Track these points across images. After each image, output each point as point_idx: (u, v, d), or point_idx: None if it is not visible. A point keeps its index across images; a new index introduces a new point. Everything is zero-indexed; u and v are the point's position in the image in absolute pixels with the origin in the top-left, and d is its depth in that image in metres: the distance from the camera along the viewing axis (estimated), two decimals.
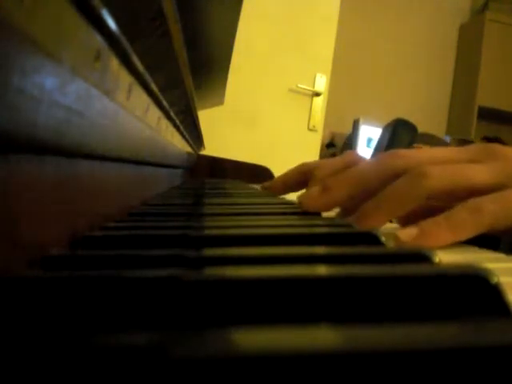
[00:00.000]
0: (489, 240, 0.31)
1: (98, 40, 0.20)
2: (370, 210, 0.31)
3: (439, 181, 0.29)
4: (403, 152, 0.33)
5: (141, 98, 0.33)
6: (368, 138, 2.84)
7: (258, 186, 0.61)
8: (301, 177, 0.47)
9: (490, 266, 0.13)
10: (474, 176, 0.30)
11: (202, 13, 0.54)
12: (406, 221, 0.33)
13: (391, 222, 0.34)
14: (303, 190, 0.48)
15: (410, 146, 2.31)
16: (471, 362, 0.08)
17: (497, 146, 0.32)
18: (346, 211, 0.36)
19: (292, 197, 0.52)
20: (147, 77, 0.32)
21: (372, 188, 0.32)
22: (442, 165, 0.31)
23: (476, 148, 0.33)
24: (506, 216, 0.28)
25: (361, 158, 0.45)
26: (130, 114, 0.30)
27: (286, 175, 0.50)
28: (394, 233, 0.28)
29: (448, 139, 2.63)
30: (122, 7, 0.22)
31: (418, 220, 0.29)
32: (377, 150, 2.43)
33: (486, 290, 0.12)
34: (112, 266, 0.16)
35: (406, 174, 0.30)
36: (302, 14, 2.09)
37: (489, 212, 0.28)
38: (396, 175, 0.31)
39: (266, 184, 0.53)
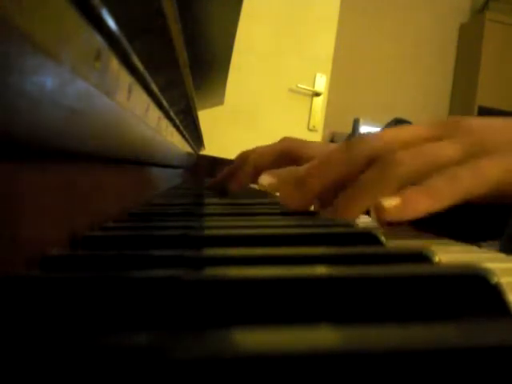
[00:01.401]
0: (492, 228, 0.31)
1: (98, 40, 0.20)
2: (345, 201, 0.31)
3: (410, 166, 0.30)
4: (369, 136, 0.33)
5: (141, 98, 0.33)
6: None
7: (258, 186, 0.61)
8: (240, 164, 0.52)
9: (490, 265, 0.13)
10: (441, 153, 0.30)
11: (201, 13, 0.54)
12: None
13: (368, 214, 0.34)
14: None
15: None
16: (471, 362, 0.08)
17: (463, 118, 0.32)
18: (323, 204, 0.36)
19: None
20: (147, 77, 0.32)
21: (345, 176, 0.32)
22: (411, 149, 0.31)
23: (440, 123, 0.33)
24: (481, 182, 0.28)
25: (296, 141, 0.48)
26: (130, 114, 0.30)
27: (228, 167, 0.55)
28: (374, 203, 0.28)
29: None
30: (121, 7, 0.22)
31: None
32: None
33: (486, 290, 0.12)
34: (112, 266, 0.16)
35: (377, 162, 0.30)
36: (302, 14, 2.08)
37: (464, 179, 0.28)
38: (366, 161, 0.31)
39: (211, 181, 0.56)
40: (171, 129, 0.55)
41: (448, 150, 0.30)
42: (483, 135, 0.31)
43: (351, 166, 0.32)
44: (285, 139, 0.51)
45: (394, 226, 0.32)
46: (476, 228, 0.36)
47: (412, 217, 0.28)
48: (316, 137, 2.16)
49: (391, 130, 0.34)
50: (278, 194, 0.39)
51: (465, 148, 0.30)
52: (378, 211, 0.28)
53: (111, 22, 0.21)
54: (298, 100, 2.14)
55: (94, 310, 0.12)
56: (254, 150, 0.53)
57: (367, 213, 0.34)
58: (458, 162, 0.29)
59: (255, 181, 0.50)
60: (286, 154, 0.49)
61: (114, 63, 0.24)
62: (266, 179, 0.38)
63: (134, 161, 0.36)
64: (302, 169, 0.36)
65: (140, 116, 0.33)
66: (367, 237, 0.21)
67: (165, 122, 0.48)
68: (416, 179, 0.29)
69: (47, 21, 0.14)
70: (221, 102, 1.33)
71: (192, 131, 0.86)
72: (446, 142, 0.31)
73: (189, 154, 0.91)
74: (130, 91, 0.28)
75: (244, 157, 0.53)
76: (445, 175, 0.28)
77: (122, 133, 0.29)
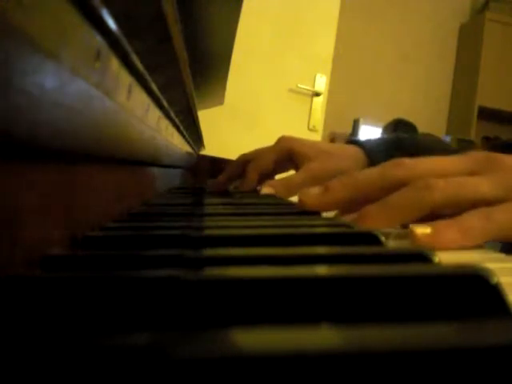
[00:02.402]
0: None
1: (98, 40, 0.20)
2: (372, 212, 0.31)
3: (443, 194, 0.30)
4: (407, 161, 0.34)
5: (141, 97, 0.33)
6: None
7: (257, 187, 0.61)
8: (240, 168, 0.53)
9: (490, 265, 0.13)
10: (477, 189, 0.30)
11: (202, 13, 0.54)
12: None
13: (392, 226, 0.34)
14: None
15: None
16: (471, 362, 0.08)
17: (498, 156, 0.32)
18: (344, 212, 0.36)
19: (294, 197, 0.53)
20: (147, 77, 0.32)
21: (373, 194, 0.33)
22: (446, 178, 0.31)
23: (477, 158, 0.33)
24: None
25: (294, 140, 0.49)
26: (130, 114, 0.30)
27: (228, 169, 0.56)
28: (409, 227, 0.28)
29: (448, 139, 2.63)
30: (121, 7, 0.22)
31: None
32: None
33: (486, 290, 0.12)
34: (112, 266, 0.16)
35: (412, 184, 0.31)
36: (302, 14, 2.08)
37: (497, 221, 0.28)
38: (398, 185, 0.32)
39: (211, 181, 0.58)
40: (171, 129, 0.55)
41: (483, 186, 0.30)
42: None
43: (384, 185, 0.33)
44: (282, 139, 0.52)
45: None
46: None
47: (440, 249, 0.28)
48: (316, 137, 2.16)
49: (428, 158, 0.34)
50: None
51: (499, 187, 0.30)
52: (410, 236, 0.28)
53: (111, 22, 0.21)
54: (297, 100, 2.14)
55: (95, 309, 0.12)
56: (254, 154, 0.54)
57: None
58: (492, 200, 0.29)
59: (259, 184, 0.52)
60: (285, 155, 0.50)
61: (114, 63, 0.24)
62: (266, 189, 0.38)
63: (134, 161, 0.36)
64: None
65: (140, 116, 0.33)
66: (367, 237, 0.21)
67: (165, 122, 0.48)
68: (448, 209, 0.30)
69: (47, 21, 0.14)
70: (221, 102, 1.33)
71: (192, 131, 0.86)
72: (483, 178, 0.31)
73: (189, 154, 0.91)
74: (129, 91, 0.28)
75: (244, 160, 0.54)
76: (479, 213, 0.28)
77: (122, 133, 0.29)
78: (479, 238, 0.28)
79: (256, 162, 0.52)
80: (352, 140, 0.57)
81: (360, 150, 0.55)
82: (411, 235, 0.28)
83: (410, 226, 0.28)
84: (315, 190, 0.35)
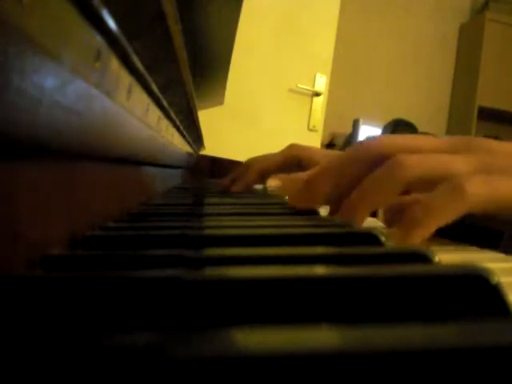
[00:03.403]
0: (490, 236, 0.31)
1: (98, 40, 0.20)
2: (353, 203, 0.31)
3: (415, 169, 0.29)
4: (379, 139, 0.33)
5: (141, 97, 0.33)
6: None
7: (257, 186, 0.61)
8: (246, 169, 0.53)
9: (490, 265, 0.13)
10: (451, 165, 0.29)
11: (202, 13, 0.54)
12: (391, 213, 0.33)
13: (375, 215, 0.34)
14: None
15: None
16: (471, 362, 0.08)
17: (480, 139, 0.32)
18: (335, 210, 0.36)
19: None
20: (147, 77, 0.32)
21: (352, 178, 0.32)
22: (421, 154, 0.31)
23: (456, 139, 0.32)
24: (490, 196, 0.28)
25: (302, 148, 0.49)
26: (130, 114, 0.30)
27: (233, 172, 0.56)
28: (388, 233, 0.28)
29: None
30: (121, 7, 0.22)
31: (402, 212, 0.29)
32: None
33: (486, 290, 0.12)
34: (112, 266, 0.16)
35: (385, 163, 0.30)
36: (302, 14, 2.08)
37: (470, 191, 0.27)
38: (374, 163, 0.31)
39: (216, 183, 0.58)
40: (171, 129, 0.55)
41: (458, 164, 0.30)
42: (496, 157, 0.30)
43: (359, 167, 0.32)
44: (291, 146, 0.52)
45: None
46: (474, 234, 0.36)
47: (418, 240, 0.28)
48: (316, 137, 2.16)
49: (402, 135, 0.34)
50: (286, 196, 0.40)
51: (475, 166, 0.29)
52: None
53: (111, 22, 0.21)
54: (298, 100, 2.14)
55: (95, 309, 0.12)
56: (261, 157, 0.54)
57: (373, 215, 0.35)
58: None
59: (261, 183, 0.52)
60: (292, 160, 0.50)
61: (114, 63, 0.24)
62: (273, 182, 0.38)
63: (134, 161, 0.36)
64: (310, 172, 0.37)
65: (140, 116, 0.33)
66: (367, 237, 0.21)
67: (165, 122, 0.48)
68: (422, 185, 0.29)
69: (47, 21, 0.14)
70: (221, 102, 1.33)
71: (192, 131, 0.86)
72: (458, 156, 0.30)
73: (189, 153, 0.91)
74: (129, 91, 0.28)
75: (251, 162, 0.54)
76: (449, 186, 0.28)
77: (122, 133, 0.29)
78: (454, 214, 0.27)
79: (259, 163, 0.52)
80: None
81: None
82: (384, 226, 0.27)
83: (379, 215, 0.28)
84: (297, 190, 0.35)
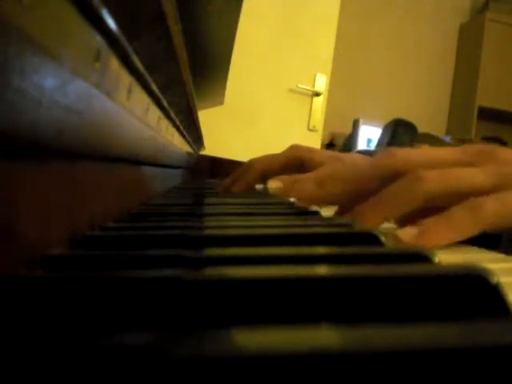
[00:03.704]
0: (489, 237, 0.31)
1: (98, 40, 0.20)
2: (366, 210, 0.31)
3: (435, 185, 0.30)
4: (400, 152, 0.33)
5: (141, 97, 0.33)
6: (368, 139, 2.84)
7: (257, 186, 0.61)
8: (245, 171, 0.52)
9: (490, 265, 0.13)
10: (471, 180, 0.30)
11: (202, 13, 0.54)
12: (403, 220, 0.33)
13: (387, 221, 0.34)
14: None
15: (410, 146, 2.30)
16: (471, 362, 0.08)
17: (494, 148, 0.32)
18: (343, 211, 0.36)
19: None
20: (147, 77, 0.32)
21: (367, 187, 0.32)
22: (439, 168, 0.31)
23: (473, 150, 0.33)
24: (505, 216, 0.28)
25: (304, 149, 0.48)
26: (130, 114, 0.30)
27: (234, 173, 0.55)
28: (393, 233, 0.28)
29: (448, 139, 2.63)
30: (122, 7, 0.22)
31: (415, 219, 0.29)
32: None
33: (486, 290, 0.12)
34: (112, 266, 0.16)
35: (403, 177, 0.30)
36: (302, 14, 2.08)
37: (489, 211, 0.28)
38: (392, 176, 0.31)
39: (221, 184, 0.57)
40: (171, 129, 0.55)
41: (477, 177, 0.30)
42: (510, 166, 0.30)
43: (376, 177, 0.32)
44: (293, 147, 0.51)
45: None
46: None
47: (428, 246, 0.28)
48: (316, 137, 2.16)
49: (421, 149, 0.34)
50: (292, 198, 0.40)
51: (493, 179, 0.30)
52: (397, 242, 0.27)
53: (111, 22, 0.21)
54: (298, 100, 2.14)
55: (95, 309, 0.12)
56: (262, 157, 0.53)
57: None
58: (485, 192, 0.29)
59: (262, 183, 0.51)
60: (295, 161, 0.49)
61: (114, 63, 0.24)
62: (274, 183, 0.38)
63: (135, 161, 0.36)
64: (314, 172, 0.37)
65: (140, 116, 0.33)
66: (367, 237, 0.21)
67: (165, 122, 0.48)
68: (441, 200, 0.29)
69: (47, 21, 0.14)
70: (221, 102, 1.33)
71: (192, 131, 0.86)
72: (476, 169, 0.30)
73: (189, 153, 0.91)
74: (129, 91, 0.28)
75: (252, 163, 0.53)
76: (468, 205, 0.28)
77: (122, 133, 0.29)
78: (469, 230, 0.28)
79: (261, 163, 0.51)
80: (361, 151, 0.57)
81: (368, 158, 0.55)
82: (397, 241, 0.27)
83: (395, 232, 0.28)
84: (309, 185, 0.35)
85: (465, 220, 0.27)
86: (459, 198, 0.29)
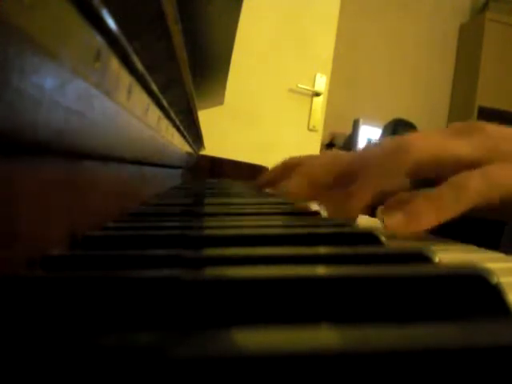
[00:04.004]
0: (489, 237, 0.31)
1: (98, 40, 0.20)
2: (355, 188, 0.31)
3: (422, 152, 0.29)
4: (386, 140, 0.33)
5: (141, 97, 0.33)
6: (368, 139, 2.84)
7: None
8: (285, 171, 0.49)
9: (490, 265, 0.13)
10: (457, 149, 0.30)
11: (202, 13, 0.54)
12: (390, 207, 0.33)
13: (373, 215, 0.34)
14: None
15: None
16: (471, 362, 0.08)
17: (479, 123, 0.32)
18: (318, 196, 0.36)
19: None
20: (147, 77, 0.32)
21: (350, 171, 0.33)
22: (425, 138, 0.31)
23: (458, 125, 0.33)
24: (491, 191, 0.27)
25: (341, 156, 0.46)
26: (130, 114, 0.30)
27: (271, 171, 0.53)
28: (379, 217, 0.28)
29: None
30: (122, 7, 0.22)
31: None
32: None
33: (486, 289, 0.12)
34: (112, 266, 0.16)
35: (391, 146, 0.30)
36: (302, 14, 2.08)
37: (474, 188, 0.27)
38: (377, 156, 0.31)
39: (258, 182, 0.55)
40: (171, 129, 0.55)
41: (463, 148, 0.30)
42: (499, 141, 0.30)
43: (361, 159, 0.33)
44: (333, 153, 0.48)
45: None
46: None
47: (416, 230, 0.27)
48: (316, 137, 2.16)
49: (410, 133, 0.34)
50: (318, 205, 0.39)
51: (480, 150, 0.30)
52: (383, 226, 0.27)
53: (111, 22, 0.21)
54: (298, 100, 2.14)
55: (95, 309, 0.12)
56: (303, 161, 0.49)
57: (373, 215, 0.34)
58: (472, 162, 0.29)
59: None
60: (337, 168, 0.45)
61: (114, 63, 0.24)
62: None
63: (134, 161, 0.36)
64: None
65: (140, 116, 0.33)
66: (368, 237, 0.21)
67: (165, 122, 0.48)
68: (428, 171, 0.29)
69: (47, 21, 0.14)
70: (221, 102, 1.33)
71: (192, 131, 0.86)
72: (463, 140, 0.30)
73: (189, 153, 0.91)
74: (129, 91, 0.28)
75: (292, 165, 0.49)
76: (453, 184, 0.28)
77: (122, 133, 0.29)
78: (456, 209, 0.27)
79: (304, 168, 0.44)
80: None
81: None
82: (382, 225, 0.27)
83: (378, 214, 0.27)
84: (296, 180, 0.35)
85: (450, 200, 0.27)
86: (447, 172, 0.28)
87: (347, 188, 0.32)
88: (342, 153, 0.46)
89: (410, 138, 0.30)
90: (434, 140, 0.30)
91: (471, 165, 0.29)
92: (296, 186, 0.41)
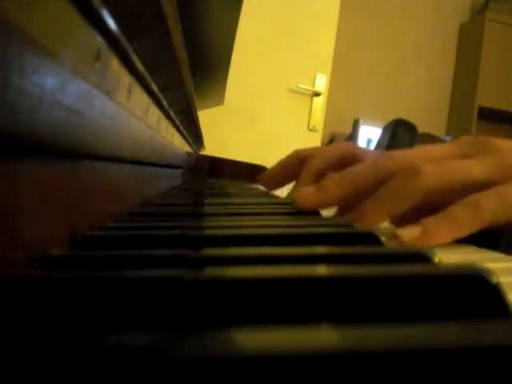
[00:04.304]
0: (490, 236, 0.31)
1: (98, 40, 0.20)
2: (367, 208, 0.31)
3: (434, 178, 0.29)
4: (397, 153, 0.33)
5: (141, 97, 0.33)
6: (368, 139, 2.84)
7: (257, 186, 0.61)
8: (295, 165, 0.46)
9: (490, 265, 0.13)
10: (469, 171, 0.30)
11: (202, 13, 0.54)
12: (400, 220, 0.33)
13: (389, 218, 0.34)
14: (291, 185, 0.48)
15: (410, 146, 2.31)
16: (471, 362, 0.08)
17: (489, 139, 0.32)
18: (343, 211, 0.36)
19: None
20: (147, 77, 0.32)
21: (366, 190, 0.32)
22: (436, 162, 0.31)
23: (468, 142, 0.33)
24: (505, 211, 0.28)
25: (357, 149, 0.45)
26: (130, 114, 0.30)
27: (280, 164, 0.49)
28: (393, 232, 0.28)
29: (448, 139, 2.63)
30: (122, 7, 0.22)
31: (412, 220, 0.29)
32: (377, 150, 2.43)
33: (486, 289, 0.12)
34: (112, 266, 0.16)
35: (404, 171, 0.30)
36: (302, 14, 2.08)
37: (487, 208, 0.28)
38: (391, 177, 0.31)
39: (261, 176, 0.52)
40: (171, 129, 0.55)
41: (475, 169, 0.30)
42: (507, 157, 0.30)
43: (377, 178, 0.32)
44: (341, 143, 0.47)
45: None
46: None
47: (432, 245, 0.28)
48: (316, 137, 2.16)
49: (418, 147, 0.34)
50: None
51: (491, 170, 0.30)
52: (398, 241, 0.27)
53: (111, 22, 0.21)
54: (298, 100, 2.14)
55: (95, 310, 0.12)
56: (312, 152, 0.48)
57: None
58: (484, 184, 0.29)
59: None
60: (347, 158, 0.45)
61: (114, 63, 0.24)
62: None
63: (134, 161, 0.36)
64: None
65: (140, 116, 0.33)
66: (368, 237, 0.21)
67: (165, 122, 0.48)
68: (440, 195, 0.29)
69: (47, 21, 0.14)
70: (221, 102, 1.33)
71: (192, 131, 0.86)
72: (474, 161, 0.30)
73: (189, 153, 0.91)
74: (129, 91, 0.28)
75: (301, 156, 0.48)
76: (467, 203, 0.28)
77: (122, 133, 0.29)
78: (470, 228, 0.28)
79: (316, 161, 0.44)
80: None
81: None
82: (398, 241, 0.27)
83: (397, 231, 0.28)
84: (309, 190, 0.35)
85: (464, 218, 0.28)
86: (458, 194, 0.29)
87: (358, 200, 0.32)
88: (350, 147, 0.44)
89: (421, 165, 0.30)
90: (446, 166, 0.30)
91: (483, 186, 0.29)
92: (307, 194, 0.40)
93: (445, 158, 0.31)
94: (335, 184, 0.34)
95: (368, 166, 0.34)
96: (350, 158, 0.44)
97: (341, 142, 0.48)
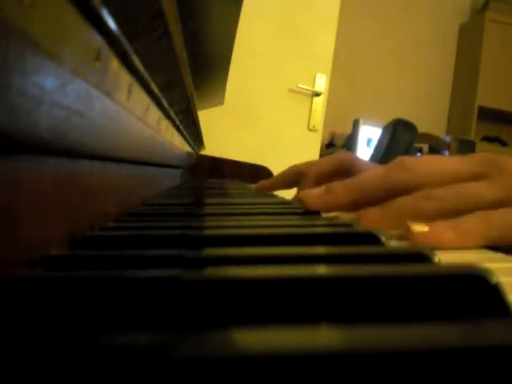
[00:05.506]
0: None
1: (98, 40, 0.20)
2: (371, 215, 0.31)
3: (446, 203, 0.30)
4: (410, 163, 0.33)
5: (141, 97, 0.33)
6: (368, 139, 2.84)
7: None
8: (293, 177, 0.48)
9: (490, 265, 0.13)
10: (479, 195, 0.30)
11: (202, 13, 0.54)
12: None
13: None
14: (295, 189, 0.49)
15: (410, 146, 2.31)
16: (471, 362, 0.08)
17: (502, 159, 0.32)
18: (346, 211, 0.36)
19: (288, 196, 0.52)
20: (147, 77, 0.32)
21: (375, 197, 0.33)
22: (449, 187, 0.31)
23: (481, 160, 0.33)
24: (510, 232, 0.29)
25: (354, 158, 0.46)
26: (130, 114, 0.30)
27: (278, 176, 0.52)
28: (406, 224, 0.28)
29: (448, 139, 2.63)
30: (122, 7, 0.22)
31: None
32: (377, 150, 2.43)
33: (486, 289, 0.12)
34: (112, 266, 0.16)
35: (416, 192, 0.31)
36: (302, 14, 2.08)
37: (497, 226, 0.28)
38: (401, 188, 0.32)
39: (258, 185, 0.54)
40: (171, 129, 0.55)
41: (486, 191, 0.30)
42: None
43: (386, 188, 0.33)
44: (341, 153, 0.49)
45: None
46: None
47: (437, 248, 0.28)
48: (316, 137, 2.16)
49: (430, 158, 0.34)
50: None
51: (503, 191, 0.30)
52: (407, 232, 0.28)
53: (111, 22, 0.21)
54: (297, 100, 2.14)
55: (94, 309, 0.12)
56: (310, 164, 0.49)
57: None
58: (494, 204, 0.29)
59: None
60: (343, 166, 0.46)
61: (114, 63, 0.24)
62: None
63: (134, 161, 0.36)
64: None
65: (140, 116, 0.33)
66: (368, 237, 0.21)
67: (165, 122, 0.48)
68: (449, 216, 0.30)
69: (47, 21, 0.14)
70: (221, 102, 1.33)
71: (192, 131, 0.86)
72: (484, 182, 0.31)
73: (189, 154, 0.91)
74: (129, 91, 0.28)
75: (299, 170, 0.49)
76: (480, 217, 0.28)
77: (122, 133, 0.29)
78: (477, 240, 0.28)
79: (313, 170, 0.47)
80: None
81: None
82: (408, 232, 0.28)
83: (408, 222, 0.28)
84: (317, 191, 0.35)
85: (473, 229, 0.28)
86: (466, 212, 0.29)
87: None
88: (350, 156, 0.46)
89: (433, 191, 0.31)
90: (457, 192, 0.31)
91: (491, 207, 0.29)
92: (316, 195, 0.40)
93: (456, 176, 0.32)
94: (345, 187, 0.34)
95: (380, 173, 0.34)
96: (348, 166, 0.45)
97: (340, 151, 0.49)
